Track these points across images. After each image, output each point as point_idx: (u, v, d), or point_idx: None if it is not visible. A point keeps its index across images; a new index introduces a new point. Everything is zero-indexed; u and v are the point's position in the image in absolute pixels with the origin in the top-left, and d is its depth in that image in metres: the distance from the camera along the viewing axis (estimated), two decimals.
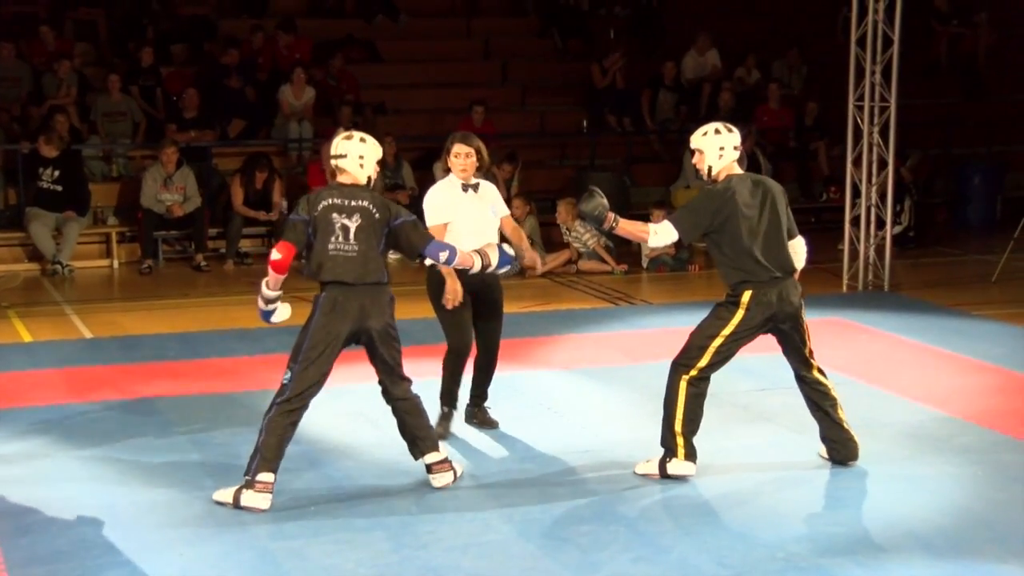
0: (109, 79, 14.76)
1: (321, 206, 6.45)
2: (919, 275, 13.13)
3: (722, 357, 6.74)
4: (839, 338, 10.16)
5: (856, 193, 12.40)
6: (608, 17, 18.64)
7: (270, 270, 6.50)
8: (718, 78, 16.93)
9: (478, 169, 7.50)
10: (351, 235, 6.42)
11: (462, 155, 7.43)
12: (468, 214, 7.42)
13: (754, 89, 17.15)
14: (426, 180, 14.52)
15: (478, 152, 7.43)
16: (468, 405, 7.77)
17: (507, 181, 14.46)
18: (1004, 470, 6.99)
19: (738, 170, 6.83)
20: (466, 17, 18.26)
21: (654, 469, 6.79)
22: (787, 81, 17.44)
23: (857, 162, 12.28)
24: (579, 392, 8.57)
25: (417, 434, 6.67)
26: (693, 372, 6.72)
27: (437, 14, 18.21)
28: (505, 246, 6.97)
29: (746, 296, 6.63)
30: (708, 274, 13.82)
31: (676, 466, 6.75)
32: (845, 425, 6.94)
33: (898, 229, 13.77)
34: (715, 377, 8.73)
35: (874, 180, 12.21)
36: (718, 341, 6.68)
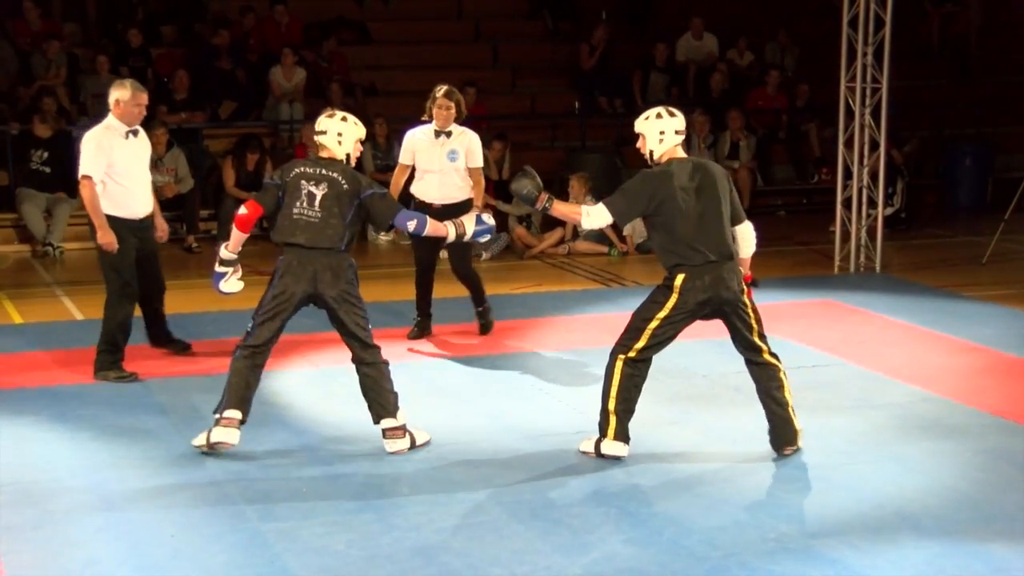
0: (98, 60, 14.70)
1: (293, 173, 6.84)
2: (910, 256, 13.15)
3: (659, 340, 6.74)
4: (830, 319, 10.18)
5: (848, 175, 12.40)
6: None
7: (234, 228, 6.91)
8: (712, 61, 16.91)
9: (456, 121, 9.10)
10: (316, 202, 6.75)
11: (443, 107, 9.02)
12: (431, 157, 9.05)
13: (746, 71, 17.13)
14: None
15: (457, 105, 9.10)
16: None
17: (497, 161, 14.46)
18: (993, 451, 7.01)
19: (681, 154, 6.82)
20: None
21: (591, 448, 6.85)
22: (779, 63, 17.43)
23: (849, 144, 12.29)
24: (571, 374, 8.57)
25: (376, 399, 6.88)
26: (631, 354, 6.73)
27: None
28: (485, 215, 7.17)
29: (679, 280, 6.62)
30: None
31: (608, 446, 6.79)
32: (788, 408, 6.84)
33: (890, 211, 13.78)
34: (706, 358, 8.79)
35: (866, 162, 12.21)
36: (653, 324, 6.69)
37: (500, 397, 7.81)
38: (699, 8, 17.41)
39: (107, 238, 8.21)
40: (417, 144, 9.19)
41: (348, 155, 6.91)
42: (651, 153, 6.80)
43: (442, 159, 9.10)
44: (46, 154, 13.19)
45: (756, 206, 15.51)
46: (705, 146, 15.42)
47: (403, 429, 6.93)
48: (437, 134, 9.11)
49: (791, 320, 9.99)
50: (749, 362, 6.90)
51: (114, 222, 8.24)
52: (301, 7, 16.65)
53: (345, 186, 6.78)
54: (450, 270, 9.38)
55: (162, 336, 8.93)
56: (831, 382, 8.35)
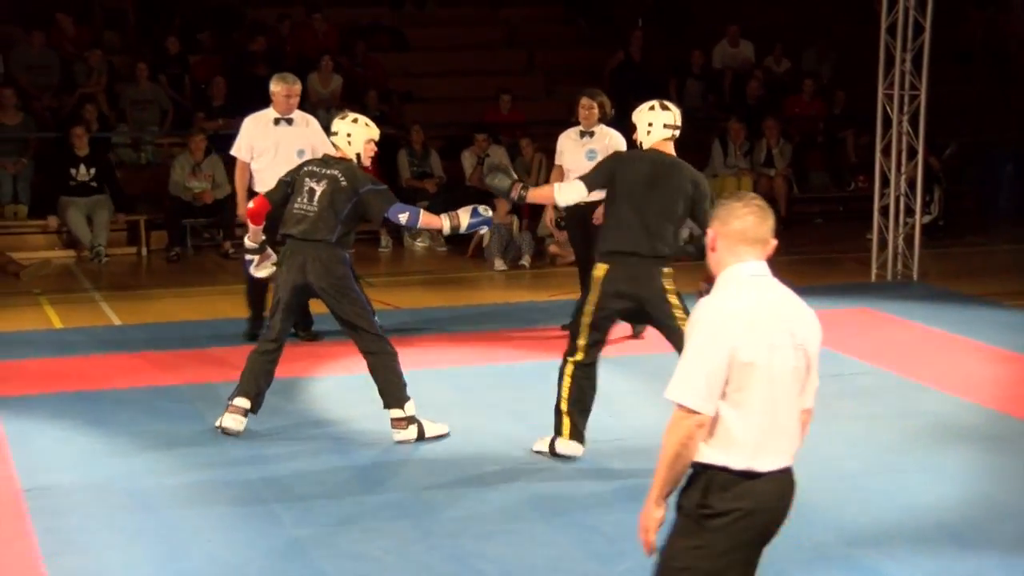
0: (137, 67, 14.80)
1: (302, 171, 7.25)
2: (948, 264, 13.05)
3: (597, 334, 6.77)
4: (867, 327, 10.12)
5: (885, 182, 12.32)
6: (635, 4, 18.57)
7: (249, 222, 7.39)
8: (748, 68, 16.86)
9: None
10: (315, 197, 7.07)
11: (585, 107, 9.42)
12: (575, 156, 9.26)
13: (783, 78, 17.07)
14: (454, 168, 14.54)
15: (601, 106, 9.41)
16: None
17: (528, 163, 14.47)
18: None
19: (665, 148, 6.78)
20: (493, 5, 18.24)
21: (545, 447, 6.90)
22: (816, 70, 17.35)
23: (886, 151, 12.21)
24: (606, 380, 8.53)
25: (382, 388, 7.11)
26: (578, 356, 6.78)
27: (464, 2, 18.19)
28: (482, 208, 7.29)
29: (600, 270, 6.68)
30: None
31: (562, 445, 6.85)
32: None
33: (927, 218, 13.68)
34: None
35: (903, 169, 12.14)
36: (587, 319, 6.74)
37: (535, 403, 7.78)
38: (736, 15, 17.36)
39: (241, 210, 8.87)
40: (564, 144, 9.56)
41: (358, 155, 7.19)
42: (641, 144, 6.85)
43: (582, 158, 9.21)
44: (93, 170, 13.31)
45: (792, 213, 15.47)
46: (741, 153, 15.38)
47: (407, 420, 7.10)
48: (582, 134, 9.43)
49: (827, 328, 9.80)
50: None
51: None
52: (338, 14, 16.71)
53: (344, 183, 7.05)
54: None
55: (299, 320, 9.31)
56: (868, 390, 8.30)
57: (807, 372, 3.94)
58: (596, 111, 9.37)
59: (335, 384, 8.40)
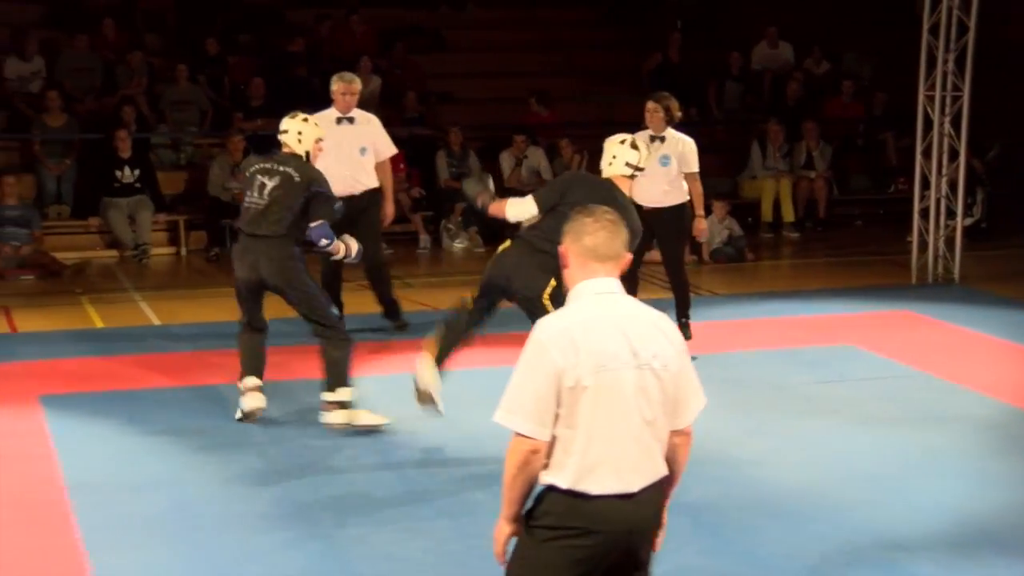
0: (177, 68, 14.90)
1: (252, 168, 7.45)
2: (990, 267, 12.93)
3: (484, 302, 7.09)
4: (907, 330, 10.06)
5: (925, 184, 12.23)
6: (673, 5, 18.52)
7: None
8: (787, 70, 16.79)
9: None
10: (265, 192, 7.28)
11: (651, 111, 9.25)
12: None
13: (822, 80, 16.98)
14: (492, 169, 14.55)
15: (667, 110, 9.23)
16: None
17: (568, 164, 14.48)
18: None
19: (621, 184, 6.95)
20: (531, 6, 18.22)
21: None
22: (857, 72, 17.25)
23: (927, 153, 12.13)
24: None
25: (325, 370, 7.35)
26: None
27: (502, 3, 18.19)
28: (352, 245, 7.70)
29: (547, 291, 6.79)
30: (770, 264, 13.76)
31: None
32: None
33: (969, 221, 13.57)
34: (776, 368, 8.72)
35: (944, 171, 12.04)
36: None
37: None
38: (775, 17, 17.29)
39: None
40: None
41: (307, 153, 7.43)
42: (600, 171, 7.05)
43: (654, 163, 9.11)
44: (137, 171, 13.42)
45: (831, 216, 15.40)
46: (780, 155, 15.31)
47: (334, 404, 7.29)
48: (652, 139, 9.25)
49: (867, 330, 9.89)
50: None
51: None
52: (376, 15, 16.75)
53: (297, 179, 7.27)
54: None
55: (386, 310, 9.78)
56: (908, 393, 8.25)
57: (667, 391, 3.77)
58: (662, 115, 9.24)
59: (373, 385, 8.41)
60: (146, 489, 6.50)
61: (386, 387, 8.33)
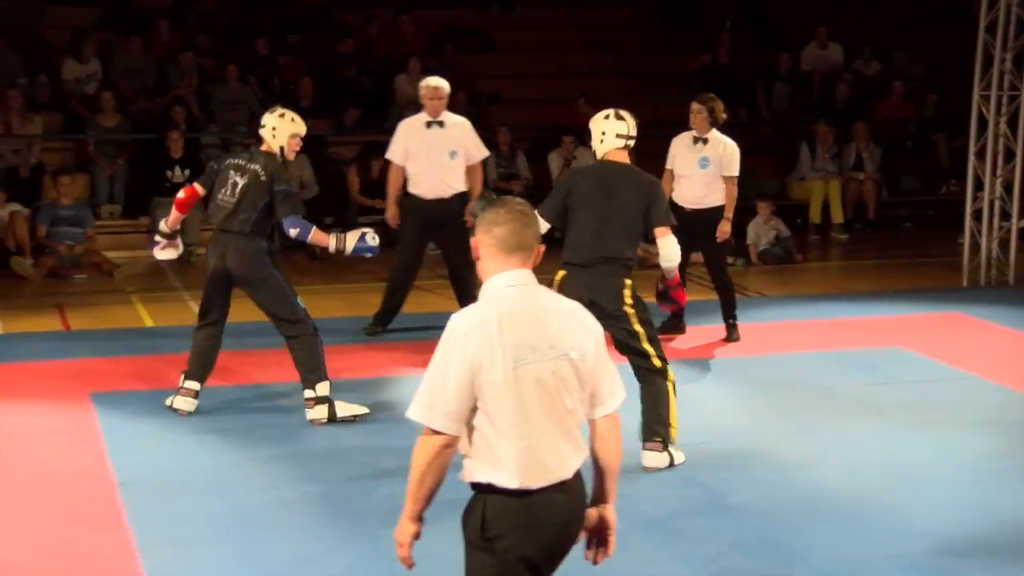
0: (227, 69, 15.00)
1: (226, 163, 7.61)
2: None
3: None
4: (958, 333, 9.97)
5: (978, 186, 12.11)
6: (723, 7, 18.45)
7: (173, 207, 7.75)
8: (837, 71, 16.69)
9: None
10: (237, 190, 7.40)
11: (695, 112, 9.24)
12: (686, 161, 9.31)
13: (872, 81, 16.85)
14: (541, 170, 14.55)
15: (711, 112, 9.20)
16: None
17: None
18: None
19: (617, 157, 6.85)
20: (580, 7, 18.21)
21: None
22: (909, 72, 17.11)
23: (980, 154, 12.00)
24: (692, 383, 8.51)
25: (299, 369, 7.44)
26: None
27: (551, 4, 18.19)
28: (369, 235, 7.57)
29: (559, 276, 6.74)
30: (818, 266, 13.67)
31: None
32: (668, 418, 6.72)
33: None
34: (826, 370, 8.67)
35: (999, 172, 11.91)
36: None
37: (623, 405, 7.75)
38: (825, 17, 17.18)
39: (388, 212, 9.69)
40: (677, 149, 9.50)
41: (282, 148, 7.50)
42: (594, 153, 6.93)
43: (693, 164, 9.29)
44: (188, 171, 13.55)
45: (881, 217, 15.29)
46: (828, 156, 15.21)
47: (316, 400, 7.38)
48: (695, 140, 9.35)
49: (917, 332, 9.81)
50: (636, 368, 6.77)
51: (411, 199, 9.51)
52: (425, 16, 16.80)
53: (263, 178, 7.36)
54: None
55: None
56: (960, 397, 8.17)
57: (585, 381, 3.76)
58: (705, 116, 9.22)
59: (416, 384, 8.43)
60: (195, 487, 6.55)
61: None
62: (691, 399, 8.09)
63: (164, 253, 8.00)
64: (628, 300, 6.66)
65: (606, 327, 6.66)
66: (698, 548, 5.76)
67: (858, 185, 15.13)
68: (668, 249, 6.86)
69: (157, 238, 8.03)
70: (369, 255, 7.79)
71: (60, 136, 14.56)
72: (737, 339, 9.54)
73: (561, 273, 6.74)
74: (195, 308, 10.94)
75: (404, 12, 16.41)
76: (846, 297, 11.41)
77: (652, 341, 6.72)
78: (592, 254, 6.64)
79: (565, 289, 6.65)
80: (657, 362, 6.71)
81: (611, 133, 6.82)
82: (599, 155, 6.89)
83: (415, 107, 14.98)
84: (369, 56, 15.93)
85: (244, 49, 15.84)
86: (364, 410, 7.61)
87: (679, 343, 9.62)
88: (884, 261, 13.57)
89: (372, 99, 15.53)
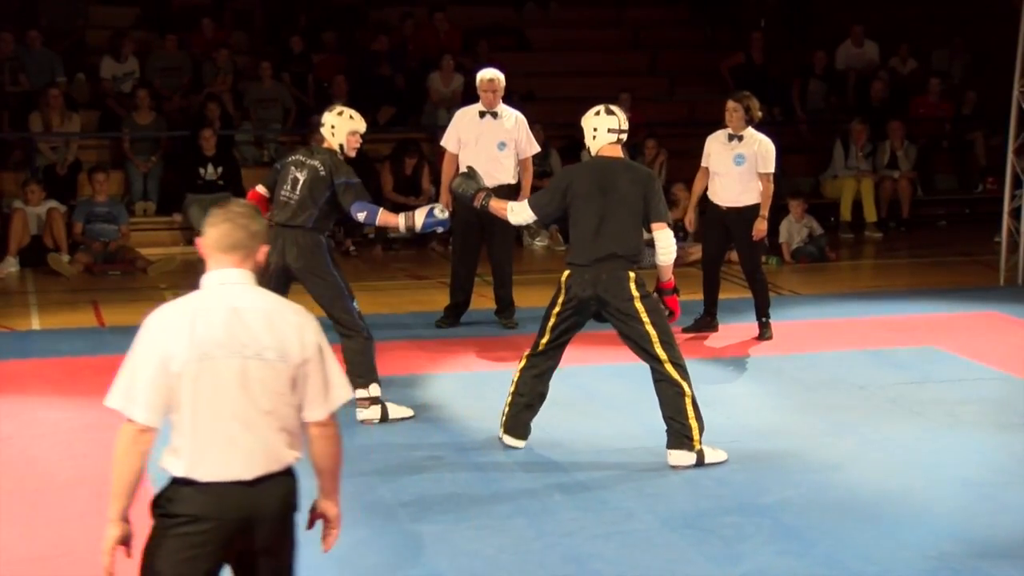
0: (261, 66, 15.06)
1: (288, 160, 7.68)
2: None
3: (558, 334, 6.83)
4: (995, 332, 9.89)
5: (1017, 184, 12.00)
6: (758, 5, 18.38)
7: None
8: (872, 69, 16.58)
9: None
10: (297, 187, 7.49)
11: (731, 110, 9.27)
12: (720, 159, 9.34)
13: (908, 79, 16.74)
14: None
15: (747, 110, 9.21)
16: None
17: (648, 164, 14.41)
18: None
19: (614, 152, 6.83)
20: (616, 6, 18.18)
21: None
22: (947, 70, 16.98)
23: (1020, 152, 11.90)
24: (725, 382, 8.48)
25: (349, 369, 7.31)
26: (538, 348, 6.87)
27: (587, 2, 18.16)
28: (437, 209, 7.54)
29: (565, 275, 6.75)
30: (851, 264, 13.60)
31: (505, 437, 7.00)
32: (682, 418, 6.66)
33: None
34: (862, 369, 8.62)
35: None
36: (551, 321, 6.82)
37: (652, 403, 7.74)
38: (861, 15, 17.08)
39: (442, 199, 9.51)
40: (712, 147, 9.51)
41: (341, 146, 7.58)
42: (588, 150, 6.91)
43: (729, 162, 9.30)
44: (220, 169, 13.62)
45: (915, 216, 15.18)
46: (863, 155, 15.12)
47: (367, 400, 7.42)
48: (730, 137, 9.34)
49: (953, 332, 9.74)
50: (652, 371, 6.74)
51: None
52: (460, 14, 16.81)
53: (323, 173, 7.45)
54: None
55: (499, 307, 9.94)
56: (996, 396, 8.11)
57: (293, 383, 3.81)
58: (741, 114, 9.22)
59: (453, 381, 8.45)
60: None
61: (468, 383, 8.36)
62: (724, 398, 8.07)
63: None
64: (635, 291, 6.62)
65: (618, 325, 6.71)
66: (730, 547, 5.74)
67: (893, 184, 15.03)
68: (664, 243, 6.79)
69: None
70: (440, 230, 7.92)
71: (96, 134, 14.65)
72: (770, 338, 9.50)
73: (566, 272, 6.77)
74: None
75: (439, 10, 16.42)
76: (880, 295, 11.35)
77: (665, 345, 6.66)
78: (594, 251, 6.65)
79: (570, 287, 6.73)
80: (670, 368, 6.66)
81: (603, 129, 6.82)
82: (593, 152, 6.88)
83: (447, 105, 15.11)
84: (404, 54, 15.95)
85: (279, 47, 15.89)
86: (410, 413, 7.64)
87: (712, 341, 9.60)
88: (918, 260, 13.48)
89: (406, 97, 15.55)
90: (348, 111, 7.72)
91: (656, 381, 6.71)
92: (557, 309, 6.79)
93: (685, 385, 6.67)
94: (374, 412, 7.51)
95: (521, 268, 13.02)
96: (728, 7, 18.22)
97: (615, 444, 7.16)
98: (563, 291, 6.77)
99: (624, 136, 6.87)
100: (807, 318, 10.38)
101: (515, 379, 6.96)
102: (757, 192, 9.32)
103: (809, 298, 11.40)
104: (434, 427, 7.50)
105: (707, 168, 9.51)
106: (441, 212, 7.54)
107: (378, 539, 5.85)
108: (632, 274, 6.65)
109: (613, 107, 6.89)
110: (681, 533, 5.91)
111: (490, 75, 9.82)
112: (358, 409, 7.49)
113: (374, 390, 7.51)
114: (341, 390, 3.94)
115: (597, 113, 6.86)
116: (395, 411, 7.59)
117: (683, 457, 6.68)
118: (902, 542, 5.79)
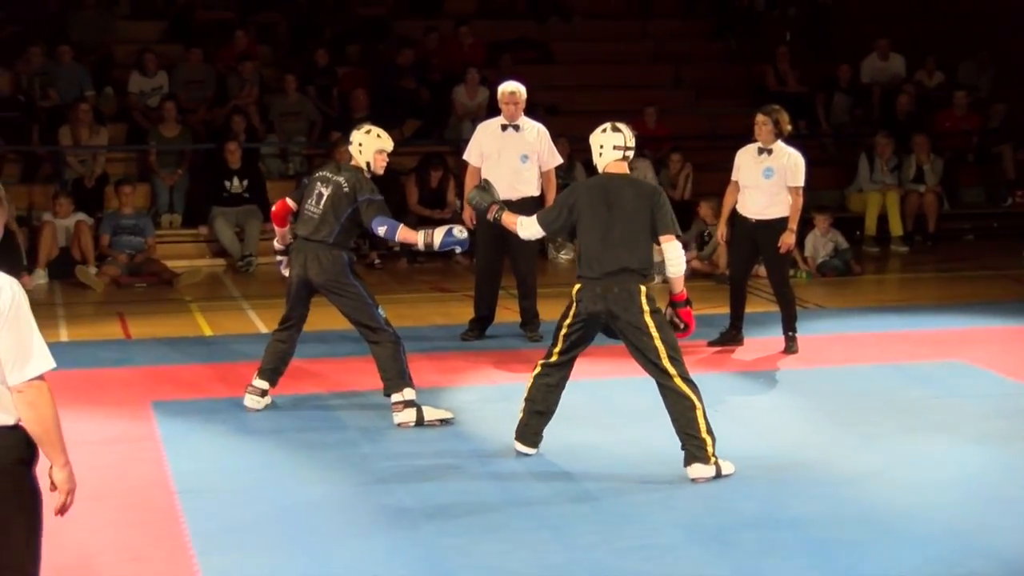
0: (286, 79, 15.12)
1: (316, 175, 7.86)
2: None
3: (570, 344, 6.87)
4: (1023, 347, 9.82)
5: None
6: (782, 18, 18.36)
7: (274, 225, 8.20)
8: (898, 83, 16.53)
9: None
10: (321, 202, 7.65)
11: (760, 123, 9.30)
12: (750, 172, 9.38)
13: (934, 92, 16.67)
14: None
15: (776, 123, 9.23)
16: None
17: (674, 177, 14.40)
18: None
19: (620, 169, 6.88)
20: (640, 19, 18.18)
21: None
22: (974, 83, 16.90)
23: None
24: (750, 395, 8.46)
25: (382, 375, 7.62)
26: (551, 358, 6.92)
27: (611, 16, 18.18)
28: (456, 228, 7.64)
29: (575, 289, 6.80)
30: (876, 279, 13.54)
31: (516, 444, 7.07)
32: (695, 431, 6.66)
33: None
34: (888, 383, 8.58)
35: None
36: (563, 331, 6.87)
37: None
38: (885, 27, 17.03)
39: (464, 213, 9.82)
40: (741, 160, 9.53)
41: (368, 164, 7.70)
42: (596, 167, 6.98)
43: (758, 175, 9.32)
44: (246, 182, 13.68)
45: (942, 230, 15.11)
46: (888, 168, 15.07)
47: (401, 403, 7.55)
48: (760, 151, 9.37)
49: (979, 346, 9.68)
50: (660, 386, 6.74)
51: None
52: (484, 27, 16.84)
53: (346, 189, 7.60)
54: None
55: (524, 320, 10.00)
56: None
57: None
58: (771, 127, 9.26)
59: (475, 395, 8.45)
60: (253, 494, 6.58)
61: (490, 396, 8.35)
62: (749, 411, 8.04)
63: (288, 269, 8.08)
64: (646, 306, 6.66)
65: (628, 339, 6.72)
66: (753, 561, 5.71)
67: (919, 198, 14.97)
68: (673, 255, 6.83)
69: (278, 258, 8.32)
70: (459, 249, 8.00)
71: (123, 147, 14.74)
72: (796, 351, 9.47)
73: (576, 286, 6.82)
74: (253, 317, 11.15)
75: (463, 23, 16.46)
76: (906, 309, 11.30)
77: (673, 360, 6.67)
78: (602, 267, 6.70)
79: (581, 301, 6.79)
80: (680, 382, 6.67)
81: (608, 146, 6.88)
82: (600, 168, 6.95)
83: (471, 118, 15.13)
84: (428, 67, 15.99)
85: (303, 60, 15.95)
86: (450, 415, 7.71)
87: (738, 354, 9.57)
88: (945, 273, 13.42)
89: (430, 110, 15.59)
90: (376, 130, 7.80)
91: (664, 396, 6.73)
92: (568, 321, 6.86)
93: (695, 398, 6.69)
94: (409, 415, 7.55)
95: (545, 281, 13.01)
96: (753, 20, 18.20)
97: (637, 456, 7.14)
98: (574, 304, 6.82)
99: (631, 153, 6.95)
100: (833, 332, 10.35)
101: (529, 385, 7.04)
102: (786, 205, 9.33)
103: (835, 312, 11.36)
104: (458, 438, 7.49)
105: (737, 182, 9.51)
106: (460, 232, 7.62)
107: (403, 552, 5.83)
108: (643, 288, 6.69)
109: (619, 124, 6.96)
110: (706, 546, 5.88)
111: (511, 88, 9.85)
112: (394, 413, 7.55)
113: (408, 394, 7.57)
114: (40, 361, 4.10)
115: (604, 130, 6.94)
116: (432, 413, 7.66)
117: (703, 470, 6.68)
118: (929, 557, 5.75)
